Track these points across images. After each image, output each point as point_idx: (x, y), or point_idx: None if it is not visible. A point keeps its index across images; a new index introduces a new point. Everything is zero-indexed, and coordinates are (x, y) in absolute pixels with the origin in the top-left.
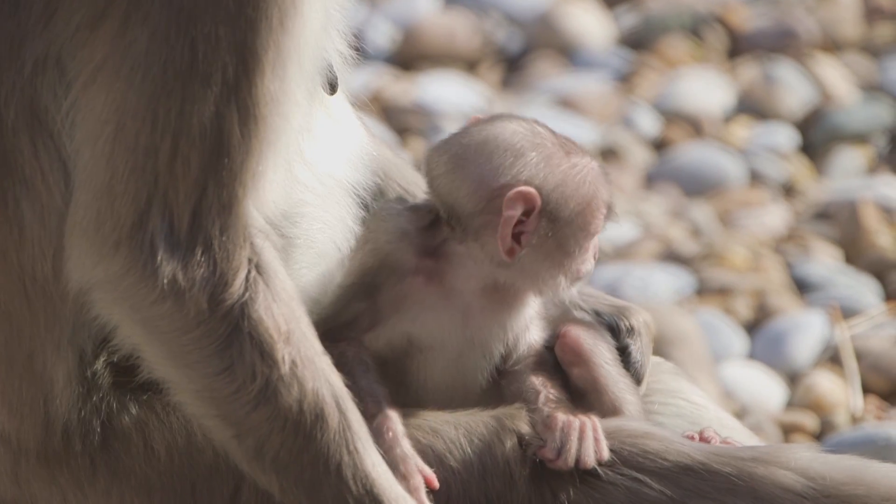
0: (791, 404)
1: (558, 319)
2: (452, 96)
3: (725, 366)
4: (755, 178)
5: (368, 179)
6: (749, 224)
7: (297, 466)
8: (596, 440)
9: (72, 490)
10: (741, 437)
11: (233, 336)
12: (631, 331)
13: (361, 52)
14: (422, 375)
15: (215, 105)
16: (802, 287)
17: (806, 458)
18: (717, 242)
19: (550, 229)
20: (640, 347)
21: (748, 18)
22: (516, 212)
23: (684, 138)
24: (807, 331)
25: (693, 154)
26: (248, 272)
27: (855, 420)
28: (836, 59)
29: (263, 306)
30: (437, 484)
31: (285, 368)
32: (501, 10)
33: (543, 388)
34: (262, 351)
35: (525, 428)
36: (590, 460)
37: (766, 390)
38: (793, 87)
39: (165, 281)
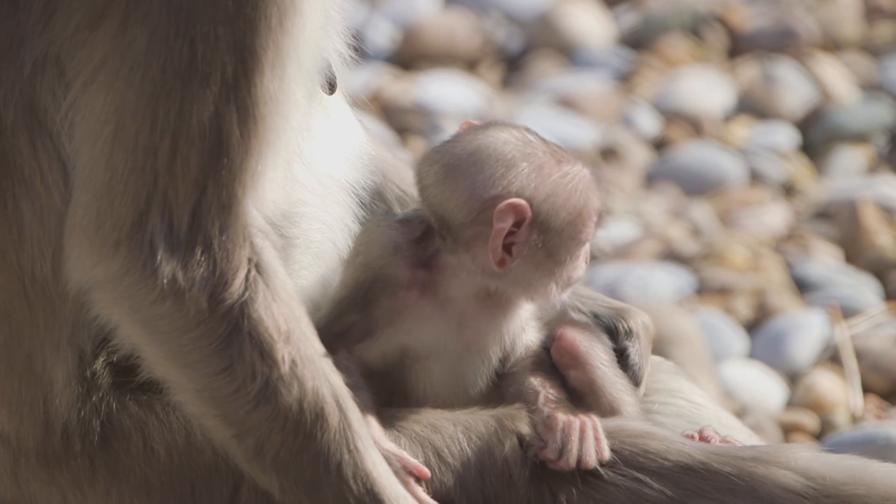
0: (791, 404)
1: (554, 321)
2: (452, 96)
3: (725, 365)
4: (755, 177)
5: (367, 179)
6: (749, 224)
7: (297, 466)
8: (597, 440)
9: (71, 490)
10: (741, 436)
11: (233, 335)
12: (629, 333)
13: (361, 51)
14: (421, 384)
15: (214, 105)
16: (802, 287)
17: (806, 458)
18: (717, 242)
19: (541, 239)
20: (638, 350)
21: (748, 18)
22: (507, 224)
23: (684, 138)
24: (807, 330)
25: (693, 154)
26: (248, 272)
27: (855, 420)
28: (836, 59)
29: (263, 306)
30: (427, 473)
31: (285, 368)
32: (501, 10)
33: (542, 389)
34: (262, 350)
35: (525, 428)
36: (591, 460)
37: (766, 390)
38: (793, 87)
39: (165, 280)
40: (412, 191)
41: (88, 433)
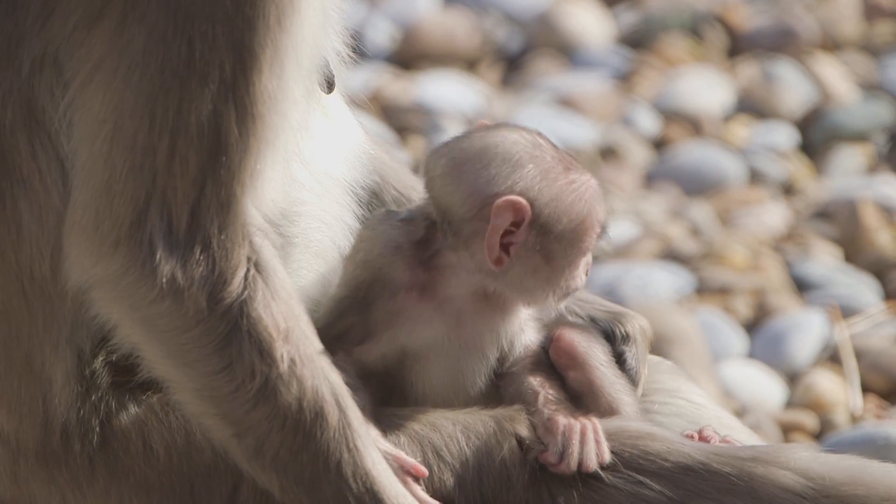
0: (790, 403)
1: (552, 322)
2: (452, 95)
3: (725, 365)
4: (755, 177)
5: (366, 178)
6: (749, 223)
7: (296, 465)
8: (597, 442)
9: (70, 490)
10: (741, 436)
11: (232, 334)
12: (626, 338)
13: (361, 51)
14: (420, 384)
15: (213, 104)
16: (802, 286)
17: (805, 458)
18: (717, 241)
19: (540, 243)
20: (635, 354)
21: (748, 17)
22: (504, 221)
23: (684, 137)
24: (806, 330)
25: (693, 153)
26: (247, 270)
27: (854, 419)
28: (836, 58)
29: (262, 304)
30: (425, 471)
31: (284, 367)
32: (501, 10)
33: (542, 389)
34: (261, 349)
35: (524, 431)
36: (592, 463)
37: (766, 389)
38: (792, 87)
39: (164, 279)
40: (410, 193)
41: (88, 433)
